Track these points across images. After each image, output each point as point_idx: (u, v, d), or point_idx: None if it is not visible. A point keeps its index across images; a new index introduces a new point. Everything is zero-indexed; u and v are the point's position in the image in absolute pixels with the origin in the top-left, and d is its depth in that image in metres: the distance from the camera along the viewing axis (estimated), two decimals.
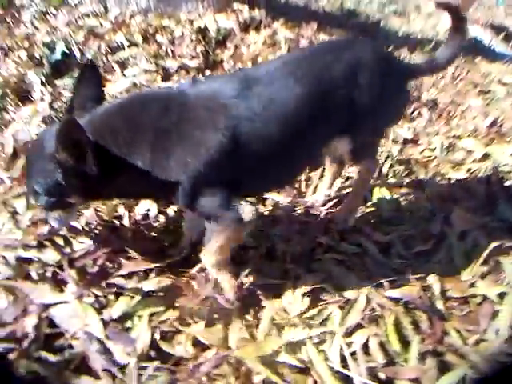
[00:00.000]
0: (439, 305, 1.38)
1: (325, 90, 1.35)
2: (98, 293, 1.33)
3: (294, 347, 1.22)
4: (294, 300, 1.33)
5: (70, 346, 1.21)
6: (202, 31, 2.57)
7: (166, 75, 2.29)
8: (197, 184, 1.24)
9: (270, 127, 1.28)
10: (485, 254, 1.49)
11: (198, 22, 2.63)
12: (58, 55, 2.36)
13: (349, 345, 1.21)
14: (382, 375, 1.16)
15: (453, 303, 1.42)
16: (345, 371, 1.15)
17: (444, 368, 1.19)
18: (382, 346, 1.22)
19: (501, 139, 2.10)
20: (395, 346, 1.22)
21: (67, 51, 2.38)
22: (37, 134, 1.45)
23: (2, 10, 2.95)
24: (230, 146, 1.22)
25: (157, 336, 1.23)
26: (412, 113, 2.29)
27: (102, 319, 1.25)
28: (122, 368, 1.14)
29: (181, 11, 2.75)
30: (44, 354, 1.17)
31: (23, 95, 2.22)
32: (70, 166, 1.21)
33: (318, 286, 1.34)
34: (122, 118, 1.28)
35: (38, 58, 2.39)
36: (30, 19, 2.86)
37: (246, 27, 2.68)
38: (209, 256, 1.34)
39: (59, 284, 1.36)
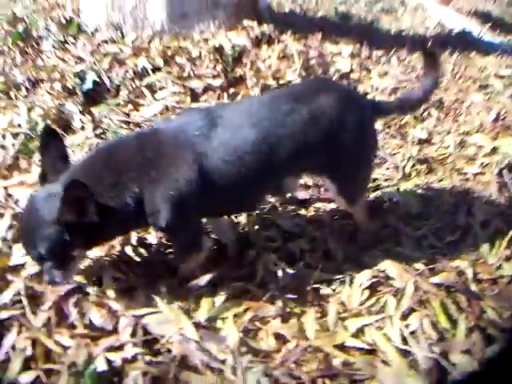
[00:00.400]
0: (473, 287, 1.60)
1: (282, 135, 1.46)
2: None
3: (359, 333, 1.43)
4: (353, 293, 1.53)
5: (168, 350, 1.40)
6: (218, 50, 2.74)
7: (194, 96, 2.47)
8: (175, 212, 1.42)
9: (230, 164, 1.43)
10: (506, 239, 1.70)
11: (212, 41, 2.80)
12: (89, 84, 2.52)
13: (406, 326, 1.42)
14: (437, 349, 1.37)
15: (484, 285, 1.64)
16: (407, 347, 1.36)
17: (489, 340, 1.41)
18: (433, 325, 1.44)
19: (505, 132, 2.33)
20: (445, 324, 1.43)
21: (97, 80, 2.55)
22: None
23: (22, 43, 3.10)
24: (199, 179, 1.40)
25: (241, 334, 1.42)
26: (422, 114, 2.50)
27: (194, 323, 1.44)
28: (221, 363, 1.33)
29: (194, 31, 2.93)
30: (148, 357, 1.36)
31: (64, 125, 2.39)
32: (73, 223, 1.33)
33: (371, 279, 1.56)
34: (105, 165, 1.43)
35: (71, 87, 2.55)
36: (49, 49, 3.01)
37: (257, 42, 2.87)
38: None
39: None
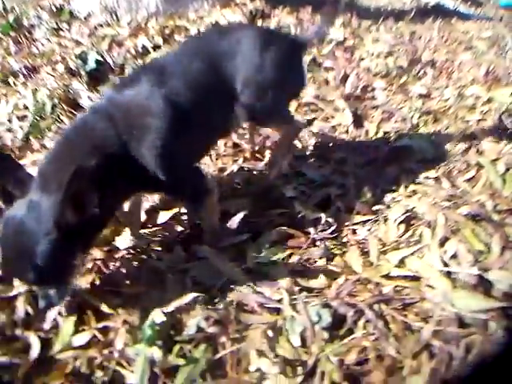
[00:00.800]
0: (495, 216, 1.72)
1: (216, 65, 1.57)
2: None
3: (401, 264, 1.52)
4: (389, 229, 1.62)
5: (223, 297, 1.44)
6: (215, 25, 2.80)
7: None
8: (169, 160, 1.42)
9: (185, 98, 1.47)
10: None
11: (208, 19, 2.86)
12: (92, 64, 2.53)
13: (444, 252, 1.52)
14: (476, 270, 1.48)
15: (503, 215, 1.76)
16: (449, 269, 1.46)
17: None
18: (468, 249, 1.54)
19: (497, 84, 2.48)
20: (478, 247, 1.54)
21: (100, 59, 2.56)
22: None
23: (14, 32, 3.05)
24: (170, 121, 1.41)
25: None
26: (418, 73, 2.64)
27: (243, 268, 1.50)
28: (278, 302, 1.39)
29: (188, 10, 2.98)
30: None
31: (72, 104, 2.39)
32: (72, 224, 1.22)
33: (405, 214, 1.66)
34: (82, 144, 1.34)
35: (74, 69, 2.55)
36: (43, 36, 3.00)
37: (252, 18, 2.94)
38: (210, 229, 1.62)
39: None
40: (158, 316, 1.33)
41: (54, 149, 1.40)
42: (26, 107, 2.39)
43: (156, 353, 1.22)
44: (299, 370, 1.21)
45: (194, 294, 1.37)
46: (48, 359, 1.30)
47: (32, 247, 1.21)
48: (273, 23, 2.86)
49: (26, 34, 3.04)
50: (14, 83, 2.64)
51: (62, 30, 2.99)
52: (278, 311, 1.36)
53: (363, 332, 1.29)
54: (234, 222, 1.64)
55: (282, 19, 2.92)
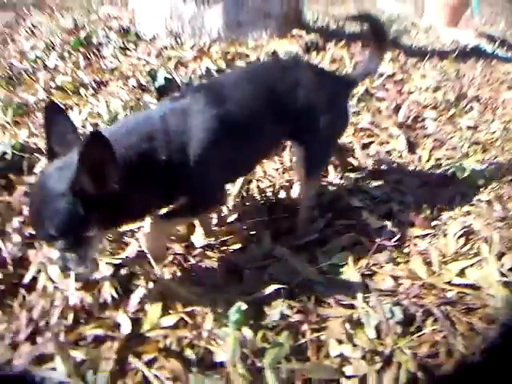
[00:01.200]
0: None
1: (270, 100, 1.62)
2: None
3: (461, 274, 1.63)
4: (448, 242, 1.74)
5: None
6: (274, 54, 3.02)
7: None
8: (202, 171, 1.48)
9: (235, 125, 1.54)
10: None
11: (266, 48, 3.08)
12: (161, 81, 2.74)
13: (501, 265, 1.63)
14: None
15: None
16: (508, 279, 1.56)
17: None
18: None
19: None
20: None
21: (169, 77, 2.77)
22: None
23: (83, 48, 3.31)
24: (216, 141, 1.48)
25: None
26: (465, 107, 2.81)
27: (317, 269, 1.62)
28: (353, 298, 1.51)
29: (248, 39, 3.21)
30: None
31: None
32: (90, 193, 1.22)
33: (463, 229, 1.78)
34: (130, 134, 1.39)
35: (144, 84, 2.76)
36: (111, 54, 3.23)
37: (307, 49, 3.16)
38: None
39: None
40: (241, 304, 1.42)
41: (115, 125, 1.56)
42: (99, 115, 2.58)
43: (247, 333, 1.34)
44: (377, 358, 1.32)
45: (276, 286, 1.49)
46: (138, 336, 1.42)
47: (49, 206, 1.23)
48: (327, 56, 3.08)
49: (95, 51, 3.29)
50: (85, 94, 2.86)
51: (128, 49, 3.22)
52: (352, 307, 1.48)
53: (432, 329, 1.41)
54: (320, 223, 1.81)
55: (336, 52, 3.14)
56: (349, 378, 1.26)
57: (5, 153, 2.20)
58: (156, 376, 1.26)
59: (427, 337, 1.38)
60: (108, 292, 1.55)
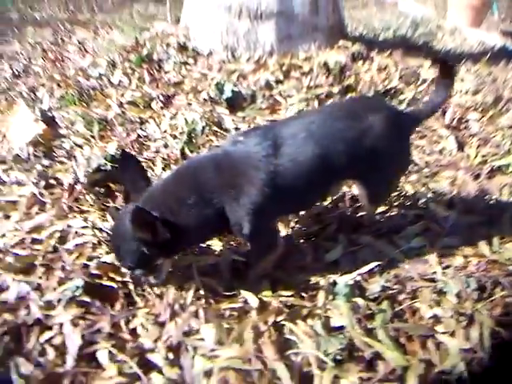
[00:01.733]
0: None
1: (338, 150, 1.67)
2: None
3: None
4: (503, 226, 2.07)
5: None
6: (325, 65, 3.34)
7: (320, 100, 3.05)
8: (255, 222, 1.63)
9: (294, 177, 1.63)
10: None
11: (317, 59, 3.40)
12: (228, 93, 3.06)
13: None
14: None
15: None
16: None
17: None
18: None
19: None
20: None
21: (235, 89, 3.10)
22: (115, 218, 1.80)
23: (145, 64, 3.64)
24: (269, 193, 1.60)
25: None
26: (502, 108, 3.12)
27: (399, 251, 1.95)
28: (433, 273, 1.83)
29: (298, 51, 3.53)
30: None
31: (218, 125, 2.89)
32: (149, 240, 1.54)
33: None
34: (181, 186, 1.63)
35: (213, 97, 3.09)
36: (172, 69, 3.56)
37: (353, 59, 3.49)
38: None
39: None
40: (348, 279, 1.77)
41: (171, 174, 1.73)
42: (176, 128, 2.90)
43: (360, 301, 1.68)
44: (461, 318, 1.64)
45: (376, 263, 1.82)
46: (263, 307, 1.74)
47: (122, 247, 1.63)
48: (374, 66, 3.40)
49: (156, 66, 3.62)
50: (157, 108, 3.17)
51: (188, 64, 3.55)
52: (434, 281, 1.80)
53: (501, 295, 1.72)
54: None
55: (380, 61, 3.46)
56: (442, 333, 1.59)
57: (100, 164, 2.54)
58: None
59: (498, 301, 1.70)
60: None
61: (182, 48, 3.69)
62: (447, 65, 1.95)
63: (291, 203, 1.77)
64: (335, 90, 3.11)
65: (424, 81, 3.33)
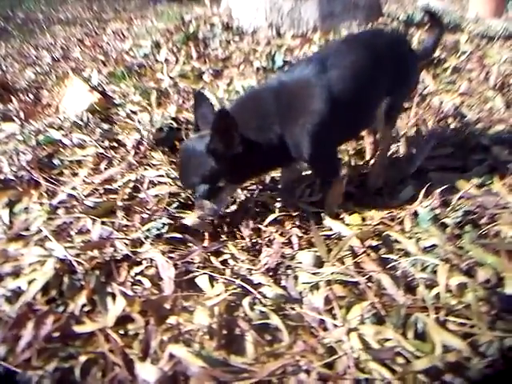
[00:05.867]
0: None
1: (374, 63, 1.82)
2: None
3: None
4: None
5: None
6: None
7: None
8: (315, 142, 1.71)
9: (346, 88, 1.73)
10: None
11: None
12: (279, 62, 3.15)
13: None
14: None
15: None
16: None
17: None
18: None
19: None
20: None
21: (286, 59, 3.19)
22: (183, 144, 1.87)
23: (191, 43, 3.74)
24: (328, 108, 1.68)
25: None
26: None
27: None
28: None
29: (340, 29, 3.64)
30: None
31: None
32: (220, 152, 1.63)
33: None
34: (249, 110, 1.74)
35: (265, 66, 3.19)
36: (217, 46, 3.67)
37: None
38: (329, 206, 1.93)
39: None
40: (427, 208, 1.84)
41: (237, 102, 1.84)
42: (232, 93, 2.96)
43: (448, 221, 1.75)
44: None
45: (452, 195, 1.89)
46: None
47: (192, 162, 1.71)
48: (414, 41, 3.50)
49: (202, 44, 3.72)
50: (209, 80, 3.26)
51: (234, 41, 3.66)
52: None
53: None
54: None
55: (420, 37, 3.56)
56: None
57: (164, 124, 2.61)
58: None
59: None
60: None
61: (227, 27, 3.79)
62: (435, 16, 2.20)
63: (347, 125, 1.84)
64: None
65: (464, 52, 3.42)
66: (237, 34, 3.69)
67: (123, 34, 4.52)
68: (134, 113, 2.90)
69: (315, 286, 1.53)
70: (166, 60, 3.59)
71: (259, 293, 1.52)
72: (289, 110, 1.70)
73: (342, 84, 1.73)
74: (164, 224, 1.88)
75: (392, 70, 1.89)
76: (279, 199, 2.04)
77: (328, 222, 1.85)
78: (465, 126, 2.55)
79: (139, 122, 2.66)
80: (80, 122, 2.84)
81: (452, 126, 2.54)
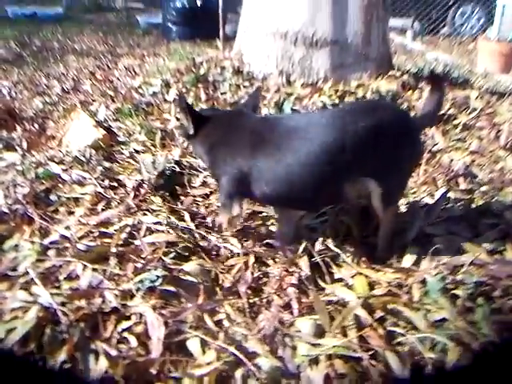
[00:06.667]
0: None
1: (350, 143, 1.65)
2: None
3: None
4: None
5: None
6: (377, 92, 3.43)
7: None
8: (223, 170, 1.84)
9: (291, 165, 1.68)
10: None
11: (370, 86, 3.50)
12: (288, 109, 3.14)
13: None
14: None
15: None
16: None
17: None
18: None
19: None
20: None
21: (293, 107, 3.17)
22: None
23: (201, 85, 3.74)
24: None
25: None
26: None
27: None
28: None
29: (350, 79, 3.65)
30: None
31: None
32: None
33: None
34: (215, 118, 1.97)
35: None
36: (226, 90, 3.65)
37: (403, 87, 3.58)
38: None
39: None
40: (438, 276, 1.73)
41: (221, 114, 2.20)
42: None
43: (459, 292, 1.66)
44: None
45: (463, 259, 1.81)
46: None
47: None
48: (424, 94, 3.48)
49: (212, 87, 3.72)
50: None
51: (244, 86, 3.66)
52: None
53: None
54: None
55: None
56: None
57: (166, 168, 2.57)
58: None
59: None
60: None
61: (237, 71, 3.81)
62: (437, 79, 2.09)
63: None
64: None
65: (474, 109, 3.40)
66: (247, 79, 3.70)
67: (134, 71, 4.55)
68: (138, 152, 2.86)
69: (314, 360, 1.42)
70: (175, 100, 3.57)
71: (254, 364, 1.41)
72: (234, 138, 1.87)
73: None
74: (158, 276, 1.79)
75: (381, 150, 1.71)
76: (280, 253, 1.95)
77: (331, 286, 1.75)
78: (475, 186, 2.48)
79: (142, 163, 2.61)
80: (82, 158, 2.79)
81: (462, 187, 2.46)
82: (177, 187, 2.48)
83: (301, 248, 1.92)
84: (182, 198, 2.42)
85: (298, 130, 1.73)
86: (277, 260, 1.93)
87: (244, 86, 3.63)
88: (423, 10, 9.50)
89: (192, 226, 2.13)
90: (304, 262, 1.86)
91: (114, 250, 1.94)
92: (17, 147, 3.18)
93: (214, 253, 2.01)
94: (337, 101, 3.29)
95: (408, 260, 1.90)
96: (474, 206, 2.28)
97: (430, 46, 8.29)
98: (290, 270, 1.84)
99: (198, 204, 2.38)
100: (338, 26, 3.63)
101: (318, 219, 2.17)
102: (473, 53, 7.60)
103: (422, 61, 5.89)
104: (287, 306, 1.68)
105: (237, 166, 1.80)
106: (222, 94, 3.58)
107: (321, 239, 2.02)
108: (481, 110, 3.44)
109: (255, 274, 1.84)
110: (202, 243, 2.04)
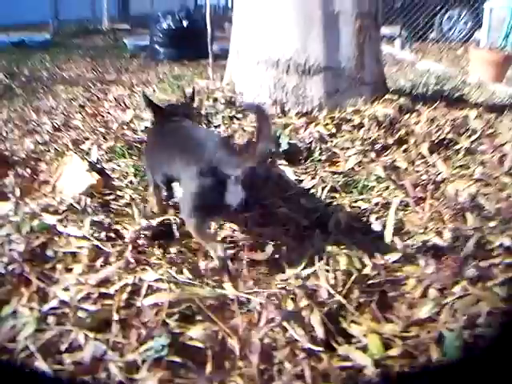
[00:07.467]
0: None
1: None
2: None
3: None
4: None
5: None
6: (375, 118, 3.38)
7: (377, 152, 3.07)
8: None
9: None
10: None
11: (366, 112, 3.44)
12: (285, 146, 3.06)
13: None
14: None
15: None
16: None
17: None
18: None
19: None
20: None
21: (292, 142, 3.10)
22: None
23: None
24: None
25: None
26: None
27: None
28: None
29: (345, 105, 3.59)
30: None
31: None
32: None
33: None
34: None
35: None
36: (220, 123, 3.58)
37: (401, 111, 3.53)
38: None
39: None
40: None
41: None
42: None
43: None
44: None
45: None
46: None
47: None
48: (423, 118, 3.45)
49: (205, 121, 3.64)
50: None
51: (237, 118, 3.57)
52: None
53: None
54: None
55: (425, 113, 3.51)
56: None
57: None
58: None
59: None
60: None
61: (230, 102, 3.74)
62: (263, 115, 1.93)
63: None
64: (390, 140, 3.13)
65: (474, 131, 3.35)
66: (240, 110, 3.63)
67: (125, 103, 4.47)
68: (134, 199, 2.78)
69: None
70: None
71: None
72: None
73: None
74: (163, 346, 1.71)
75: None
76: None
77: (344, 349, 1.67)
78: (483, 219, 2.41)
79: (138, 210, 2.54)
80: (77, 206, 2.71)
81: (470, 222, 2.40)
82: (176, 233, 2.41)
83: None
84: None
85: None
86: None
87: (237, 118, 3.56)
88: (410, 16, 9.51)
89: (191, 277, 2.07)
90: (316, 319, 1.79)
91: (115, 314, 1.86)
92: (10, 195, 3.08)
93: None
94: (333, 130, 3.23)
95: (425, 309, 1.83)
96: (483, 243, 2.22)
97: (419, 53, 8.29)
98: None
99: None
100: (331, 51, 3.59)
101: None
102: (463, 58, 7.60)
103: (413, 73, 5.87)
104: (301, 375, 1.60)
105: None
106: (215, 127, 3.51)
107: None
108: (482, 130, 3.38)
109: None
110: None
